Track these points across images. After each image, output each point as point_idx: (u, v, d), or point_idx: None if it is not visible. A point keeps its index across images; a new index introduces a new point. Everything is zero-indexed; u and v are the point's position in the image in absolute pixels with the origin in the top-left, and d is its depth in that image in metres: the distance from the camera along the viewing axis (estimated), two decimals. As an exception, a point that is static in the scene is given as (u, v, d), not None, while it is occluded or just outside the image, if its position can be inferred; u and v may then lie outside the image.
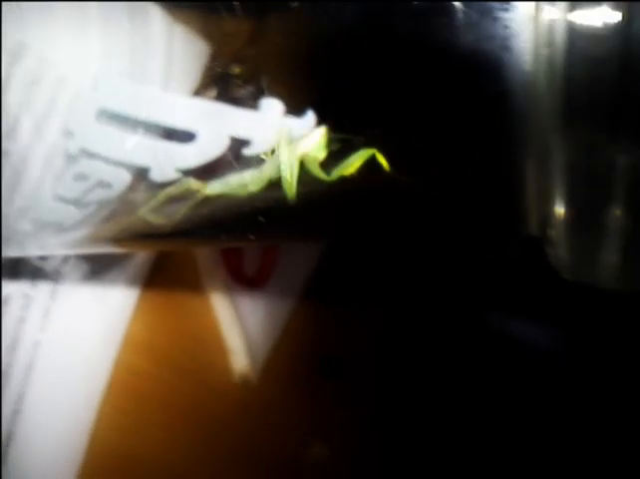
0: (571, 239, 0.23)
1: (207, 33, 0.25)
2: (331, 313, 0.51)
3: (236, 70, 0.24)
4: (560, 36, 0.20)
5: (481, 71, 0.21)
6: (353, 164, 0.24)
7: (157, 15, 0.25)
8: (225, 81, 0.25)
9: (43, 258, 0.35)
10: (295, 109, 0.24)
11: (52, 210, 0.26)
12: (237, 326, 0.45)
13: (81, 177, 0.25)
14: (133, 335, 0.40)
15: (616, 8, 0.20)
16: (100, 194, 0.26)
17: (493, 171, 0.23)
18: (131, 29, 0.25)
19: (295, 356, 0.49)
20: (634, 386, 0.45)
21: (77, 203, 0.26)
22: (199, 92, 0.25)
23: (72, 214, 0.27)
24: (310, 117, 0.24)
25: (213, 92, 0.25)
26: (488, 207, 0.25)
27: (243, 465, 0.46)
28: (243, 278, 0.49)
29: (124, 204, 0.27)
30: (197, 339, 0.45)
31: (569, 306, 0.43)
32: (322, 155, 0.24)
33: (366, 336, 0.52)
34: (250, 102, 0.24)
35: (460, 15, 0.21)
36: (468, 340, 0.51)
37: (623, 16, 0.19)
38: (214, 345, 0.45)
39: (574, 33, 0.20)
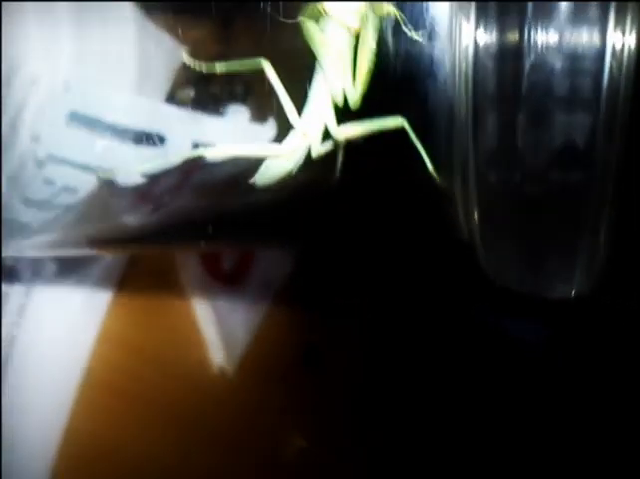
0: (485, 246, 0.24)
1: (182, 36, 0.25)
2: (312, 306, 0.51)
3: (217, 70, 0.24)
4: (470, 57, 0.21)
5: (409, 96, 0.22)
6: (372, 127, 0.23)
7: (129, 18, 0.25)
8: (204, 81, 0.25)
9: (17, 258, 0.35)
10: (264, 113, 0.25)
11: (20, 211, 0.26)
12: (215, 321, 0.46)
13: (47, 181, 0.25)
14: (109, 331, 0.40)
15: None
16: (65, 198, 0.26)
17: (428, 184, 0.24)
18: (103, 32, 0.25)
19: (276, 349, 0.50)
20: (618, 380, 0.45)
21: (43, 205, 0.26)
22: (176, 91, 0.25)
23: (39, 215, 0.27)
24: (272, 124, 0.25)
25: (191, 91, 0.25)
26: (425, 215, 0.26)
27: (223, 457, 0.46)
28: (221, 274, 0.50)
29: (89, 207, 0.27)
30: (174, 334, 0.45)
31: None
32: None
33: (347, 329, 0.52)
34: (228, 102, 0.25)
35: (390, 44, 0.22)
36: (449, 333, 0.51)
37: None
38: (192, 340, 0.46)
39: (480, 54, 0.21)
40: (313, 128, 0.24)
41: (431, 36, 0.21)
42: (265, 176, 0.25)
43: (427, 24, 0.21)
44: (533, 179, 0.22)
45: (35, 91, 0.25)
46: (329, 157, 0.25)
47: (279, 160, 0.25)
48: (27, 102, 0.25)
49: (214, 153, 0.23)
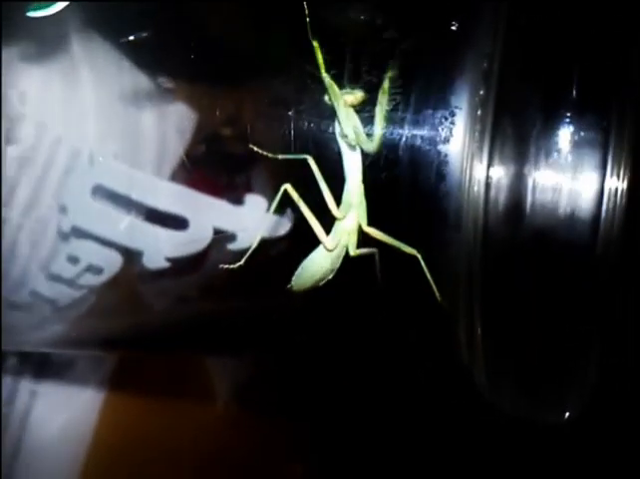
0: (486, 367, 0.25)
1: (197, 100, 0.27)
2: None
3: (227, 132, 0.26)
4: (482, 195, 0.24)
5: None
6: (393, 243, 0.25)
7: (146, 89, 0.26)
8: (216, 140, 0.27)
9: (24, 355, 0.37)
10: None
11: (47, 287, 0.27)
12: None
13: (72, 259, 0.26)
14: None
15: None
16: (90, 279, 0.27)
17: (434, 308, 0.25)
18: (124, 106, 0.27)
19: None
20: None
21: (70, 284, 0.27)
22: (189, 150, 0.27)
23: (66, 293, 0.27)
24: (289, 215, 0.26)
25: (202, 148, 0.27)
26: (429, 338, 0.27)
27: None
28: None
29: (112, 292, 0.28)
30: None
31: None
32: None
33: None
34: (247, 191, 0.26)
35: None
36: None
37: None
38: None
39: (491, 193, 0.23)
40: (350, 223, 0.26)
41: (444, 173, 0.24)
42: (302, 279, 0.26)
43: (441, 163, 0.24)
44: (534, 303, 0.24)
45: (60, 153, 0.26)
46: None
47: (317, 260, 0.26)
48: (53, 163, 0.26)
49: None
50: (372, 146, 0.25)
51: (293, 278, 0.26)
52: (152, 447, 0.42)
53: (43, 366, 0.38)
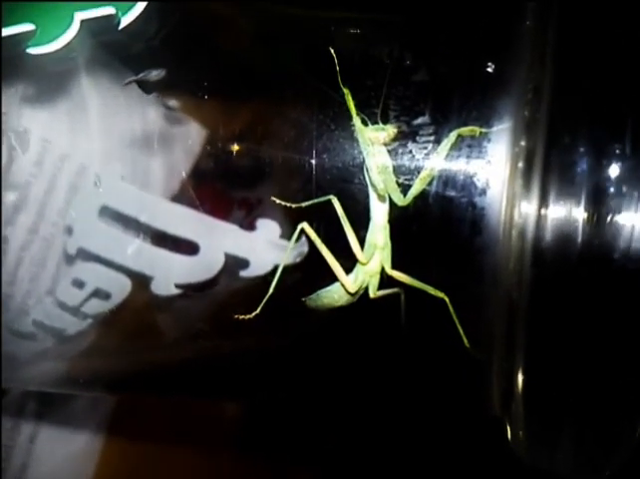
0: (528, 417, 0.24)
1: (205, 116, 0.26)
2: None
3: (235, 148, 0.25)
4: (529, 238, 0.22)
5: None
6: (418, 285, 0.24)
7: (154, 109, 0.26)
8: (224, 157, 0.26)
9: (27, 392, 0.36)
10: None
11: (50, 315, 0.26)
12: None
13: (77, 283, 0.25)
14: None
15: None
16: (96, 306, 0.26)
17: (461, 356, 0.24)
18: (130, 126, 0.26)
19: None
20: None
21: (75, 312, 0.26)
22: (199, 166, 0.26)
23: (71, 322, 0.26)
24: (304, 244, 0.25)
25: (211, 163, 0.26)
26: (459, 387, 0.26)
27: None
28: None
29: (121, 319, 0.27)
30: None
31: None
32: None
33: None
34: (259, 216, 0.26)
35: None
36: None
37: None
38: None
39: (543, 229, 0.22)
40: (374, 265, 0.25)
41: (480, 227, 0.23)
42: (315, 303, 0.26)
43: (476, 216, 0.23)
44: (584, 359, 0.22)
45: (65, 170, 0.25)
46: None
47: (334, 295, 0.26)
48: (57, 181, 0.26)
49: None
50: (403, 201, 0.24)
51: (308, 299, 0.26)
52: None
53: (46, 398, 0.38)
